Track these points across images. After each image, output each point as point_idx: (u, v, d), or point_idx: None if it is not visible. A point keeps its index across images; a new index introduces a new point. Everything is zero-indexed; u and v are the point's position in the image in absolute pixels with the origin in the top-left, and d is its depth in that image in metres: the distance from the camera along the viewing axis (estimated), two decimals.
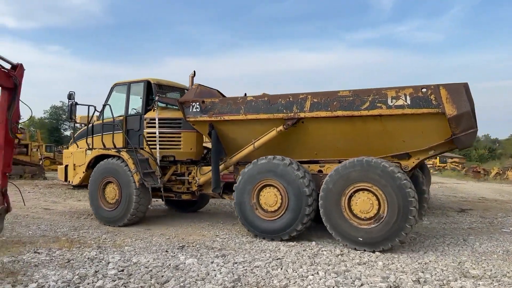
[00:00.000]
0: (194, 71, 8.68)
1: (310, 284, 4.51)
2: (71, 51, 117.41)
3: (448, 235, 7.63)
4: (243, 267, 5.12)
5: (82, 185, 9.66)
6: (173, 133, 8.64)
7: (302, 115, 6.85)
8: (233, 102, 7.50)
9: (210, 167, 8.04)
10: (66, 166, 9.76)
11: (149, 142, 8.72)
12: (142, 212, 8.44)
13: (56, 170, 13.37)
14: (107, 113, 9.07)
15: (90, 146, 9.13)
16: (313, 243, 6.60)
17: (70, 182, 9.66)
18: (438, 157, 44.10)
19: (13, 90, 6.55)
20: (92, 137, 9.14)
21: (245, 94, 7.95)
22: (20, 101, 6.82)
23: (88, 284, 4.45)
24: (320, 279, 4.66)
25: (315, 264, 5.30)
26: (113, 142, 8.72)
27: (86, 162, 9.09)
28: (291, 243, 6.56)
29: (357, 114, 6.44)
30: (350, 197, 6.31)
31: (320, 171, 7.06)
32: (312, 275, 4.82)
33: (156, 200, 10.75)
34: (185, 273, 4.85)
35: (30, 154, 25.17)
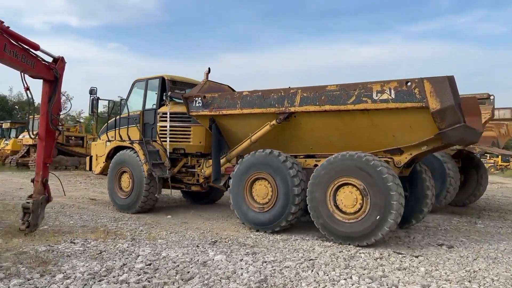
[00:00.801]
0: (209, 68, 9.00)
1: None
2: (129, 48, 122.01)
3: (504, 240, 6.96)
4: (272, 266, 4.89)
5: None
6: (183, 126, 9.05)
7: (292, 109, 6.97)
8: (230, 97, 7.78)
9: (223, 159, 8.29)
10: (91, 156, 10.64)
11: (160, 135, 9.12)
12: (153, 200, 8.93)
13: None
14: (126, 108, 9.67)
15: (110, 138, 9.82)
16: (351, 244, 6.22)
17: (93, 171, 10.51)
18: (499, 156, 41.18)
19: (54, 83, 6.72)
20: (115, 130, 9.75)
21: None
22: (61, 94, 7.02)
23: (113, 277, 4.41)
24: (352, 285, 4.33)
25: (350, 268, 4.95)
26: (127, 134, 9.22)
27: (106, 153, 9.85)
28: (327, 244, 6.23)
29: (344, 108, 6.47)
30: (335, 191, 6.35)
31: (316, 165, 6.98)
32: (344, 279, 4.49)
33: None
34: (211, 270, 4.69)
35: (85, 146, 26.29)
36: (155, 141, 9.27)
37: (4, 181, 16.08)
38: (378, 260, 5.38)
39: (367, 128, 6.53)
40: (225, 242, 6.22)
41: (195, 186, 9.25)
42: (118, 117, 9.83)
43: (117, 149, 9.62)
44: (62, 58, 6.89)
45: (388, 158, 6.52)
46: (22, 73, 6.26)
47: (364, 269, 4.90)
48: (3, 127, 29.05)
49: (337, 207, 6.33)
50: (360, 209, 6.10)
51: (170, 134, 9.01)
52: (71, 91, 75.56)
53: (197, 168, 9.05)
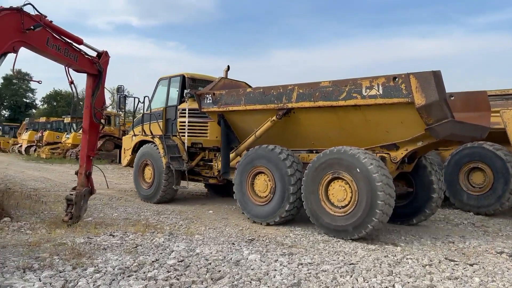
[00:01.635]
0: (228, 66, 9.61)
1: None
2: (186, 46, 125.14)
3: None
4: (308, 269, 4.59)
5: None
6: (201, 122, 9.51)
7: (290, 105, 7.18)
8: (236, 94, 8.10)
9: (232, 154, 8.58)
10: (121, 149, 11.59)
11: (180, 130, 9.62)
12: (172, 191, 9.44)
13: None
14: (151, 105, 10.22)
15: (136, 133, 10.60)
16: (398, 248, 5.76)
17: (122, 164, 11.51)
18: None
19: (98, 77, 6.80)
20: (141, 125, 10.41)
21: None
22: (105, 88, 7.11)
23: (143, 273, 4.32)
24: None
25: (394, 275, 4.54)
26: (150, 129, 9.87)
27: (131, 146, 10.67)
28: (371, 247, 5.81)
29: (335, 104, 6.59)
30: (327, 186, 6.44)
31: None
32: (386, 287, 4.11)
33: None
34: (243, 270, 4.48)
35: None
36: (176, 135, 9.72)
37: (62, 173, 16.89)
38: (427, 267, 4.91)
39: (361, 124, 6.60)
40: (262, 240, 5.99)
41: (212, 179, 9.66)
42: (143, 113, 10.44)
43: (141, 143, 10.31)
44: (106, 52, 6.96)
45: (385, 153, 6.56)
46: (67, 67, 6.38)
47: (410, 277, 4.47)
48: (64, 121, 30.71)
49: (329, 201, 6.42)
50: (349, 202, 6.14)
51: (188, 129, 9.50)
52: (131, 87, 78.76)
53: (214, 162, 9.37)
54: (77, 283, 3.92)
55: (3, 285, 3.75)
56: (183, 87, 9.75)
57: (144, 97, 9.77)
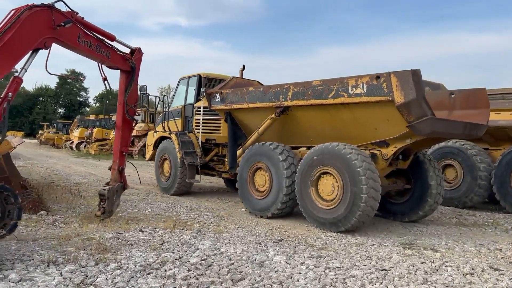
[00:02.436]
0: (244, 66, 10.21)
1: None
2: (231, 45, 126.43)
3: None
4: (335, 274, 4.32)
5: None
6: (214, 119, 9.93)
7: (286, 103, 7.47)
8: (240, 93, 8.44)
9: (239, 150, 8.80)
10: (145, 145, 12.62)
11: (195, 127, 10.17)
12: (188, 184, 10.01)
13: None
14: (172, 103, 11.10)
15: (157, 130, 11.23)
16: (438, 254, 5.34)
17: (146, 158, 12.32)
18: None
19: (131, 74, 6.83)
20: (161, 122, 11.03)
21: None
22: (137, 85, 7.13)
23: (165, 270, 4.24)
24: None
25: (429, 283, 4.18)
26: (168, 126, 10.44)
27: (153, 142, 11.34)
28: (408, 252, 5.43)
29: (325, 103, 6.82)
30: (317, 180, 6.69)
31: None
32: None
33: None
34: (266, 272, 4.29)
35: None
36: (192, 132, 10.26)
37: (107, 169, 17.37)
38: (468, 276, 4.49)
39: (351, 121, 6.80)
40: (291, 241, 5.76)
41: (225, 174, 10.03)
42: (163, 111, 11.13)
43: (162, 139, 10.94)
44: (139, 49, 6.98)
45: (376, 150, 6.71)
46: (100, 64, 6.45)
47: (447, 286, 4.11)
48: (112, 118, 31.77)
49: (318, 195, 6.66)
50: (336, 196, 6.37)
51: (202, 126, 10.05)
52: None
53: (226, 157, 9.61)
54: (96, 279, 3.90)
55: (24, 278, 3.78)
56: (199, 86, 10.28)
57: (164, 96, 10.15)
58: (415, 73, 5.85)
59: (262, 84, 9.85)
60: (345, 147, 6.35)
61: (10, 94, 4.76)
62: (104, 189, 6.65)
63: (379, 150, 6.67)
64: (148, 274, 4.12)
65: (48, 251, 4.68)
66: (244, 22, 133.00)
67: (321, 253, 5.13)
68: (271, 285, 3.93)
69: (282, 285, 3.95)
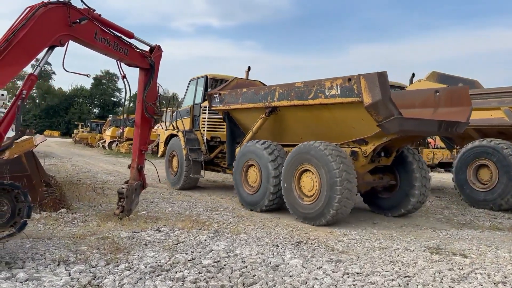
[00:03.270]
0: (249, 67, 10.95)
1: None
2: (262, 46, 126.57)
3: None
4: (354, 280, 4.07)
5: None
6: (219, 118, 10.34)
7: (273, 104, 7.92)
8: (235, 94, 8.96)
9: (238, 148, 9.13)
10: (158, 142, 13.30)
11: (201, 125, 10.75)
12: (193, 179, 10.51)
13: None
14: (183, 103, 11.84)
15: (168, 128, 11.82)
16: (467, 260, 4.98)
17: (158, 155, 13.01)
18: None
19: (150, 71, 6.75)
20: (170, 121, 11.74)
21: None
22: (157, 83, 7.05)
23: (175, 272, 4.11)
24: None
25: None
26: (176, 125, 11.01)
27: (163, 139, 12.02)
28: (435, 257, 5.08)
29: (306, 103, 7.21)
30: (300, 176, 7.07)
31: None
32: None
33: None
34: (280, 277, 4.08)
35: None
36: (199, 130, 10.86)
37: None
38: (500, 285, 4.14)
39: (332, 121, 7.18)
40: (311, 243, 5.52)
41: (229, 170, 10.16)
42: (173, 110, 11.66)
43: (172, 136, 11.49)
44: (159, 46, 6.89)
45: (357, 148, 7.05)
46: (118, 62, 6.41)
47: None
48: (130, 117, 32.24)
49: (301, 191, 7.04)
50: (316, 191, 6.71)
51: (208, 124, 10.64)
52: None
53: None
54: (104, 280, 3.80)
55: (31, 277, 3.73)
56: (206, 86, 10.91)
57: (173, 95, 10.29)
58: (382, 75, 6.15)
59: (264, 85, 10.32)
60: (320, 145, 6.70)
61: (25, 91, 4.76)
62: (123, 188, 6.60)
63: (360, 148, 7.00)
64: (158, 276, 4.00)
65: (61, 250, 4.64)
66: (274, 21, 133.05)
67: (341, 257, 4.87)
68: None
69: None
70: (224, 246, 5.16)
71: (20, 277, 3.72)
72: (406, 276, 4.27)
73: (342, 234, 6.22)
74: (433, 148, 12.74)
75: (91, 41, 5.61)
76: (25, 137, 9.22)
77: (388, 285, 3.99)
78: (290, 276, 4.14)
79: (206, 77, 11.01)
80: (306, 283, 3.95)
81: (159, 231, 5.89)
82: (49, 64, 78.13)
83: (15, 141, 7.88)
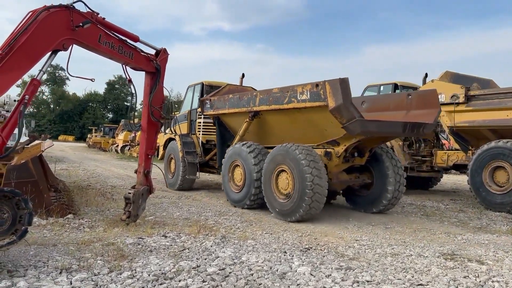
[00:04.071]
0: (243, 74, 11.68)
1: None
2: (274, 48, 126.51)
3: None
4: None
5: None
6: (213, 123, 10.66)
7: (254, 108, 8.48)
8: (223, 100, 9.53)
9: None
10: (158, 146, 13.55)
11: (197, 129, 11.40)
12: (189, 180, 11.11)
13: None
14: (182, 108, 12.54)
15: (167, 132, 12.07)
16: (484, 267, 4.76)
17: (158, 158, 13.03)
18: None
19: (156, 75, 6.68)
20: (170, 125, 11.98)
21: None
22: (163, 87, 6.97)
23: (178, 281, 3.99)
24: None
25: None
26: (174, 129, 11.28)
27: (162, 142, 12.56)
28: (450, 264, 4.87)
29: (282, 107, 7.76)
30: (277, 176, 7.55)
31: None
32: None
33: None
34: (287, 286, 3.94)
35: None
36: (194, 134, 11.46)
37: None
38: None
39: (306, 124, 7.62)
40: (320, 250, 5.36)
41: None
42: (170, 115, 12.20)
43: (170, 140, 12.05)
44: (164, 49, 6.82)
45: (330, 149, 7.54)
46: (124, 65, 6.34)
47: None
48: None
49: (278, 189, 7.51)
50: (290, 190, 7.18)
51: (203, 128, 11.25)
52: None
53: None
54: None
55: (32, 286, 3.65)
56: (202, 93, 11.52)
57: (169, 102, 10.49)
58: (343, 81, 6.58)
59: (255, 90, 10.59)
60: (291, 146, 7.22)
61: (27, 96, 4.70)
62: (130, 193, 6.52)
63: (333, 149, 7.50)
64: (161, 284, 3.89)
65: (64, 257, 4.57)
66: (286, 23, 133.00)
67: (351, 264, 4.70)
68: None
69: None
70: (230, 252, 5.03)
71: (21, 285, 3.64)
72: (419, 284, 4.09)
73: (353, 239, 6.04)
74: (447, 150, 12.42)
75: (95, 45, 5.55)
76: (36, 142, 9.27)
77: None
78: (297, 284, 3.99)
79: (202, 84, 11.68)
80: None
81: (165, 237, 5.79)
82: (62, 69, 79.12)
83: (26, 146, 7.96)
